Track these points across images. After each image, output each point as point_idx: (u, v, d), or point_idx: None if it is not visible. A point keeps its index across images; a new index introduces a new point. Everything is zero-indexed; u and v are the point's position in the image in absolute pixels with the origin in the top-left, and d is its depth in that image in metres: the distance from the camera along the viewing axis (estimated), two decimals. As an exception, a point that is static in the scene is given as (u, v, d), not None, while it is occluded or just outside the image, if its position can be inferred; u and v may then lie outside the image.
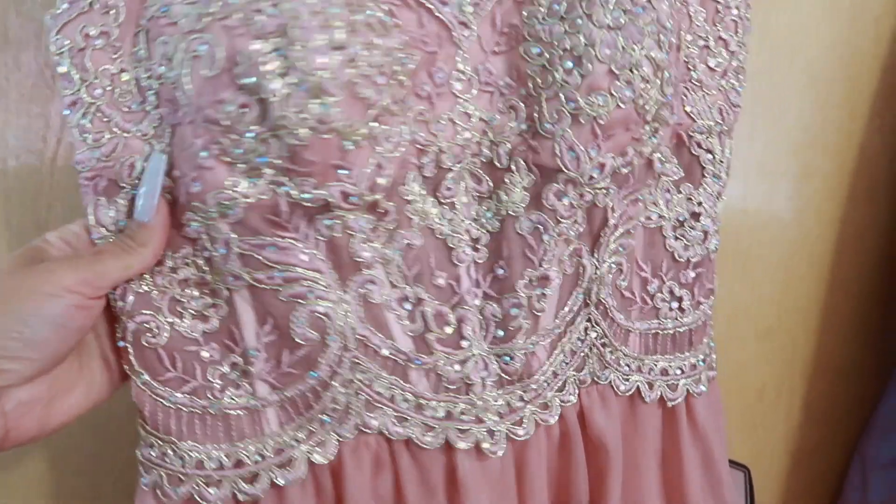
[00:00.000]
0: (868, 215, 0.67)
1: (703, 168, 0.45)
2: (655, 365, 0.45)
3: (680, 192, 0.45)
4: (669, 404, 0.45)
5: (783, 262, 0.66)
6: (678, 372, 0.45)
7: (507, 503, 0.41)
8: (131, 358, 0.37)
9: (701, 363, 0.46)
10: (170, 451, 0.37)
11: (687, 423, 0.46)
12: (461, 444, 0.39)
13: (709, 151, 0.45)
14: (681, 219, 0.45)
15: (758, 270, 0.66)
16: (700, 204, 0.45)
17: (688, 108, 0.44)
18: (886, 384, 0.66)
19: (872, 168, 0.66)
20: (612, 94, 0.36)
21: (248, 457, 0.38)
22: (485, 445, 0.40)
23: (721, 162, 0.45)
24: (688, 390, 0.46)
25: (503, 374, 0.41)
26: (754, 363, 0.68)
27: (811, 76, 0.62)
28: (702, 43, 0.44)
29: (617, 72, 0.36)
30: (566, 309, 0.42)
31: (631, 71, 0.36)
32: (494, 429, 0.40)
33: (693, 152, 0.44)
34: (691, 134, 0.44)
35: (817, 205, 0.65)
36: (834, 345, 0.69)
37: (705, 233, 0.45)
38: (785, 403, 0.70)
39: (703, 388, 0.46)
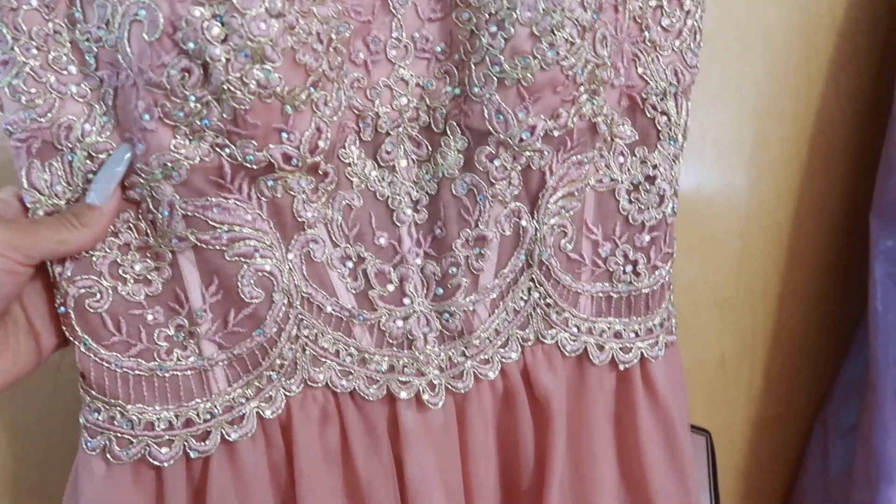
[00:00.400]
0: (825, 183, 0.66)
1: (659, 131, 0.45)
2: (608, 327, 0.46)
3: (634, 156, 0.45)
4: (622, 367, 0.45)
5: (740, 232, 0.65)
6: (633, 335, 0.46)
7: (449, 455, 0.43)
8: (73, 323, 0.37)
9: (658, 327, 0.47)
10: (118, 415, 0.38)
11: (643, 387, 0.46)
12: (402, 395, 0.41)
13: (664, 114, 0.45)
14: (635, 182, 0.45)
15: (715, 240, 0.65)
16: (655, 167, 0.45)
17: (640, 70, 0.44)
18: (847, 352, 0.67)
19: (829, 136, 0.65)
20: (535, 57, 0.38)
21: (197, 415, 0.38)
22: (425, 397, 0.42)
23: (677, 124, 0.45)
24: (643, 354, 0.46)
25: (444, 331, 0.43)
26: (713, 333, 0.68)
27: (767, 43, 0.61)
28: (654, 3, 0.44)
29: (538, 34, 0.37)
30: (507, 269, 0.43)
31: (553, 33, 0.37)
32: (435, 381, 0.42)
33: (647, 115, 0.44)
34: (644, 96, 0.44)
35: (774, 173, 0.64)
36: (793, 314, 0.69)
37: (661, 196, 0.45)
38: (746, 373, 0.70)
39: (659, 352, 0.46)
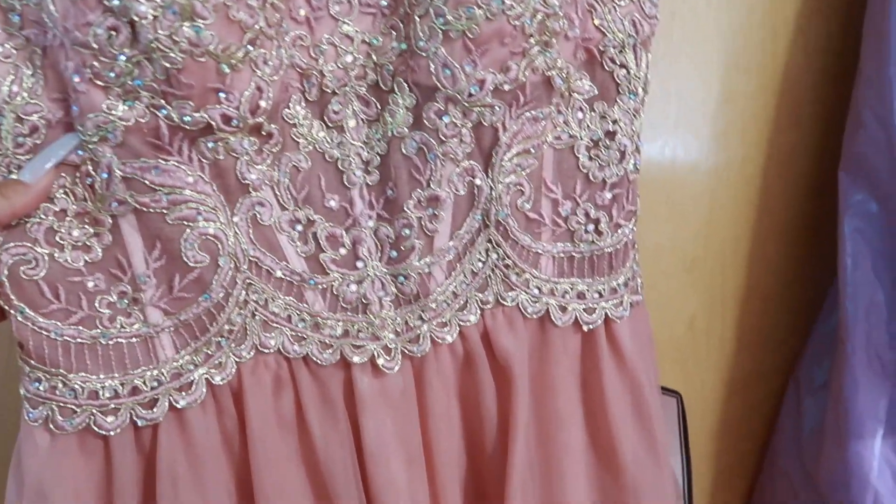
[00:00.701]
0: (793, 139, 0.65)
1: (618, 84, 0.43)
2: (571, 288, 0.45)
3: (594, 111, 0.44)
4: (586, 328, 0.45)
5: (707, 190, 0.64)
6: (596, 295, 0.45)
7: (408, 420, 0.42)
8: (8, 292, 0.36)
9: (622, 287, 0.46)
10: (60, 384, 0.37)
11: (608, 349, 0.46)
12: (356, 359, 0.40)
13: (623, 66, 0.43)
14: (595, 138, 0.44)
15: (681, 199, 0.64)
16: (615, 122, 0.44)
17: (596, 22, 0.42)
18: (819, 310, 0.67)
19: (796, 89, 0.63)
20: (479, 7, 0.37)
21: (144, 383, 0.38)
22: (380, 361, 0.41)
23: (637, 77, 0.44)
24: (607, 314, 0.45)
25: (400, 294, 0.42)
26: (682, 294, 0.67)
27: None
28: None
29: None
30: (462, 230, 0.42)
31: None
32: (390, 345, 0.41)
33: (606, 68, 0.43)
34: (602, 49, 0.43)
35: (741, 128, 0.63)
36: (763, 272, 0.68)
37: (622, 152, 0.44)
38: (717, 333, 0.69)
39: (624, 312, 0.45)
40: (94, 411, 0.37)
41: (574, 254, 0.45)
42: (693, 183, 0.65)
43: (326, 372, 0.41)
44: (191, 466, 0.38)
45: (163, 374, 0.38)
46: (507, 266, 0.43)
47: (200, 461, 0.38)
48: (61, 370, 0.37)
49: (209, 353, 0.38)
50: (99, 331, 0.37)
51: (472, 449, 0.46)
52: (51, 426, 0.37)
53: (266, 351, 0.40)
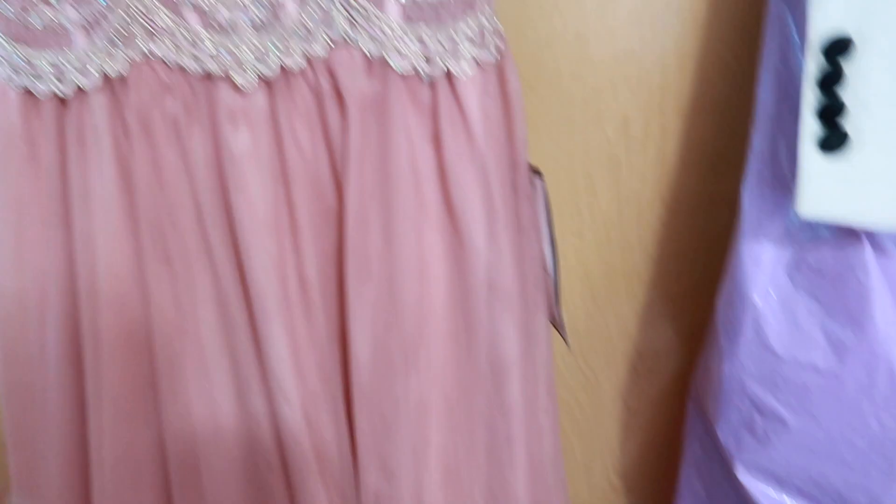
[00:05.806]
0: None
1: None
2: (413, 33, 0.47)
3: None
4: (425, 78, 0.48)
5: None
6: (438, 46, 0.48)
7: (267, 132, 0.50)
8: None
9: (464, 41, 0.48)
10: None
11: (453, 105, 0.49)
12: (217, 71, 0.48)
13: None
14: None
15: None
16: None
17: None
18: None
19: None
20: None
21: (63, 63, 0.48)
22: (238, 80, 0.48)
23: None
24: (449, 69, 0.48)
25: (258, 20, 0.47)
26: (612, 89, 0.63)
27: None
28: None
29: None
30: None
31: None
32: (247, 66, 0.48)
33: None
34: None
35: None
36: (714, 75, 0.62)
37: None
38: (655, 142, 0.64)
39: (465, 67, 0.48)
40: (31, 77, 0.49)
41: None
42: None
43: (202, 84, 0.49)
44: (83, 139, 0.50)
45: (72, 59, 0.49)
46: (350, 4, 0.47)
47: (97, 133, 0.50)
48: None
49: (107, 48, 0.48)
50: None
51: (319, 174, 0.52)
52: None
53: (152, 57, 0.49)
